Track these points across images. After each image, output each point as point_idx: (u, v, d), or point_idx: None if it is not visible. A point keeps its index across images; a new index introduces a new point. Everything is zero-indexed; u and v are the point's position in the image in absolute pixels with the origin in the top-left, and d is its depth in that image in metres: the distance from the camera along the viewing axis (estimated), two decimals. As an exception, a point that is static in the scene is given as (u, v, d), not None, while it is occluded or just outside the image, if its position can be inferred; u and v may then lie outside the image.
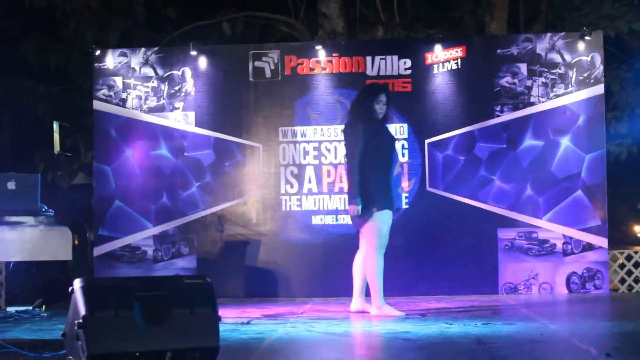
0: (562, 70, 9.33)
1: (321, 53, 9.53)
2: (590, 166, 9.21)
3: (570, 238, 9.19)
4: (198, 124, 9.59)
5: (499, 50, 9.42)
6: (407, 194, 9.31)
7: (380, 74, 9.46)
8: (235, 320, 6.94)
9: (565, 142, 9.25)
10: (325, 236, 9.39)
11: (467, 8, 12.09)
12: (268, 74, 9.59)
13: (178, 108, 9.63)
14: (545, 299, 8.78)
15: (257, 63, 9.61)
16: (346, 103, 9.35)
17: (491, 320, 6.72)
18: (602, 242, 9.19)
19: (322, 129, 9.49)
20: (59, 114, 12.59)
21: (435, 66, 9.44)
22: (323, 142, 9.47)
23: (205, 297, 4.55)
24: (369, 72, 9.47)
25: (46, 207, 8.22)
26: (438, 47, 9.43)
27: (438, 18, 12.29)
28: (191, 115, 9.61)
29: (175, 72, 9.68)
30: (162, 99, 9.65)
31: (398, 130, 9.37)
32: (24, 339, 5.85)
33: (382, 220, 7.23)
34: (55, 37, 12.03)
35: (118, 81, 9.70)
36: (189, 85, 9.64)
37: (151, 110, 9.65)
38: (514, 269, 9.23)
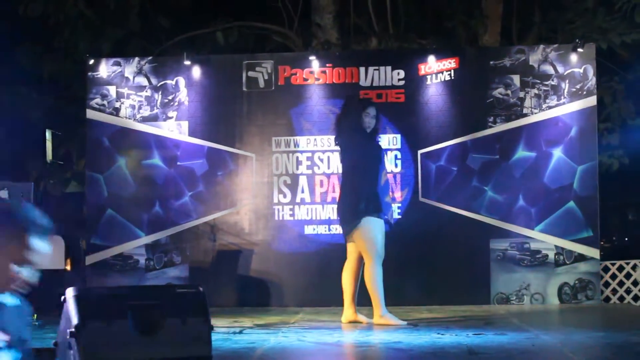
0: (554, 81, 9.37)
1: (315, 63, 9.55)
2: (582, 177, 9.24)
3: (562, 249, 9.22)
4: (191, 133, 9.60)
5: (492, 62, 9.46)
6: (399, 204, 9.32)
7: (374, 84, 9.49)
8: (228, 330, 6.94)
9: (557, 153, 9.28)
10: (318, 246, 9.40)
11: (460, 19, 12.12)
12: (262, 84, 9.61)
13: (171, 117, 9.63)
14: (537, 310, 8.80)
15: (250, 73, 9.63)
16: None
17: (483, 330, 6.73)
18: (594, 253, 9.21)
19: (315, 139, 9.50)
20: (51, 123, 12.57)
21: (428, 77, 9.47)
22: (316, 152, 9.49)
23: (198, 307, 4.55)
24: (362, 82, 9.50)
25: (38, 216, 8.21)
26: (431, 58, 9.47)
27: (431, 29, 12.31)
28: (184, 124, 9.62)
29: (168, 81, 9.69)
30: (155, 108, 9.65)
31: (391, 140, 9.40)
32: (16, 347, 5.83)
33: (375, 229, 7.25)
34: (48, 45, 12.02)
35: (111, 90, 9.70)
36: (183, 94, 9.65)
37: (144, 120, 9.66)
38: (506, 280, 9.25)
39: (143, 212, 9.57)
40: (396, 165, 9.36)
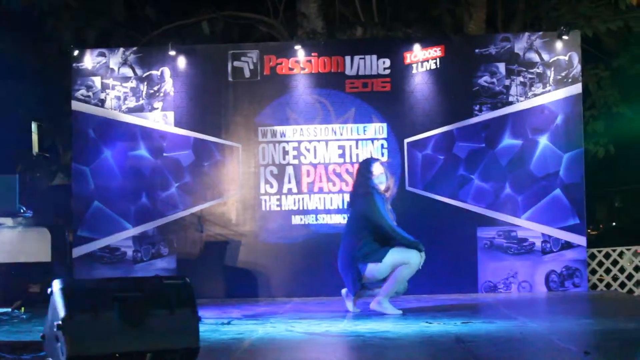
0: (540, 69, 9.38)
1: (300, 53, 9.53)
2: (568, 165, 9.26)
3: (549, 236, 9.23)
4: (177, 124, 9.57)
5: (477, 50, 9.46)
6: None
7: (360, 73, 9.47)
8: (216, 321, 6.93)
9: (543, 141, 9.29)
10: (306, 236, 9.40)
11: (446, 8, 12.11)
12: (247, 73, 9.58)
13: (157, 108, 9.60)
14: (524, 298, 8.82)
15: (236, 63, 9.60)
16: (325, 103, 9.39)
17: (471, 318, 6.74)
18: (580, 240, 9.23)
19: (301, 129, 9.49)
20: (37, 114, 12.50)
21: (414, 66, 9.46)
22: (302, 141, 9.48)
23: (185, 298, 4.54)
24: (348, 71, 9.49)
25: (25, 209, 8.18)
26: (417, 47, 9.46)
27: (416, 18, 12.30)
28: (170, 115, 9.58)
29: (154, 72, 9.65)
30: (141, 99, 9.62)
31: (377, 129, 9.39)
32: (3, 340, 5.82)
33: (399, 250, 7.29)
34: (32, 36, 11.95)
35: (97, 81, 9.66)
36: (168, 85, 9.61)
37: (130, 111, 9.62)
38: (493, 268, 9.27)
39: (130, 203, 9.54)
40: (382, 155, 9.35)
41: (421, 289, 9.16)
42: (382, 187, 7.48)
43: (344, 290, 7.58)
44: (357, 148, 9.43)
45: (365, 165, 7.60)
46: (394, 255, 7.25)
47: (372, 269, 7.25)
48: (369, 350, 5.40)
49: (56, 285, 4.37)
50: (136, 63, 9.67)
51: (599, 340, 5.67)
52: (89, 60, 9.68)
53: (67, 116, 10.27)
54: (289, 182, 9.48)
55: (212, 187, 9.54)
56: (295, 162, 9.49)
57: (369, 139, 9.38)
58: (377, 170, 7.50)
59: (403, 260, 7.24)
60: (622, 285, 9.80)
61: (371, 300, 7.43)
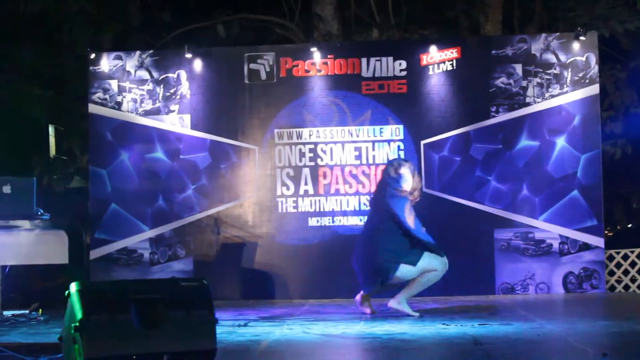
0: (557, 70, 9.34)
1: (316, 55, 9.53)
2: (586, 166, 9.22)
3: (567, 238, 9.20)
4: (194, 126, 9.59)
5: (493, 51, 9.43)
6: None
7: (376, 75, 9.47)
8: (232, 323, 6.93)
9: (560, 142, 9.26)
10: (322, 238, 9.39)
11: (462, 9, 12.09)
12: (263, 76, 9.59)
13: (173, 111, 9.62)
14: (542, 299, 8.78)
15: (252, 65, 9.61)
16: (342, 105, 9.39)
17: (488, 320, 6.72)
18: (598, 241, 9.19)
19: (317, 131, 9.49)
20: (54, 118, 12.55)
21: (430, 67, 9.44)
22: (319, 143, 9.47)
23: (202, 300, 4.55)
24: (364, 73, 9.48)
25: (42, 211, 8.21)
26: (433, 48, 9.44)
27: (433, 19, 12.28)
28: (187, 117, 9.60)
29: (170, 74, 9.67)
30: (157, 101, 9.64)
31: (394, 131, 9.38)
32: (21, 342, 5.85)
33: (428, 256, 7.25)
34: (49, 41, 12.00)
35: (113, 84, 9.69)
36: (184, 87, 9.63)
37: (147, 113, 9.64)
38: (510, 269, 9.24)
39: (147, 206, 9.57)
40: (399, 157, 9.33)
41: (438, 290, 9.12)
42: (406, 189, 7.43)
43: (358, 297, 7.55)
44: (373, 150, 9.42)
45: (391, 166, 7.56)
46: (427, 261, 7.21)
47: (404, 270, 7.20)
48: (385, 352, 5.39)
49: (73, 287, 4.39)
50: (152, 66, 9.70)
51: (616, 342, 5.64)
52: (106, 63, 9.72)
53: (84, 119, 10.31)
54: (306, 184, 9.48)
55: (229, 190, 9.55)
56: (312, 164, 9.49)
57: (385, 141, 9.37)
58: (403, 172, 7.45)
59: (432, 267, 7.22)
60: (641, 286, 9.73)
61: (379, 302, 7.44)
